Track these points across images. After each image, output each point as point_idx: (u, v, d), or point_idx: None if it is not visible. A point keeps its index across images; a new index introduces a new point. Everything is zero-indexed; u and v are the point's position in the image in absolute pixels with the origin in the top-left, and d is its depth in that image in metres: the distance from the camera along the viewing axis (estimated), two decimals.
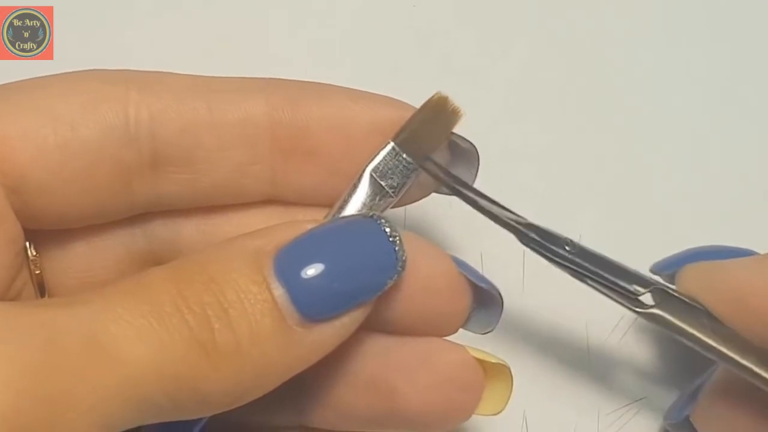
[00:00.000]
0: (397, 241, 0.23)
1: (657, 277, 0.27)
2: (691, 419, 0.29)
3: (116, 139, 0.24)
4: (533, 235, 0.26)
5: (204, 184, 0.25)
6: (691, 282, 0.27)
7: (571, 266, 0.26)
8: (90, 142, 0.24)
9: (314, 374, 0.24)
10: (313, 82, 0.26)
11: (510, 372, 0.26)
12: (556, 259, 0.26)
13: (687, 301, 0.26)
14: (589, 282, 0.26)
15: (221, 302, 0.21)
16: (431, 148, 0.26)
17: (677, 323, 0.26)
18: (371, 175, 0.25)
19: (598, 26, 0.37)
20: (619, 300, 0.26)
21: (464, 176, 0.26)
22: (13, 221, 0.24)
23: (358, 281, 0.23)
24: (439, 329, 0.25)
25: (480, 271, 0.26)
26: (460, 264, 0.25)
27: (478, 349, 0.26)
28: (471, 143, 0.26)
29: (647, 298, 0.26)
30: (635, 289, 0.26)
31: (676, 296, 0.26)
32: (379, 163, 0.25)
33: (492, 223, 0.26)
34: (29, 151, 0.23)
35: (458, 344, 0.25)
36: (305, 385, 0.25)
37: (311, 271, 0.22)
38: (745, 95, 0.36)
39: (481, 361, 0.25)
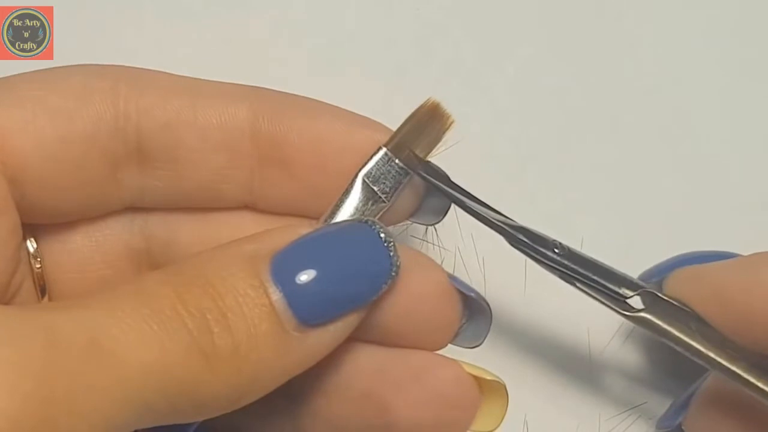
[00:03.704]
0: (392, 246, 0.23)
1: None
2: (683, 427, 0.29)
3: (106, 131, 0.24)
4: (522, 237, 0.26)
5: (186, 184, 0.25)
6: (678, 286, 0.27)
7: (560, 268, 0.26)
8: (83, 133, 0.24)
9: (309, 386, 0.25)
10: (300, 96, 0.26)
11: (506, 389, 0.25)
12: (545, 261, 0.26)
13: (675, 304, 0.26)
14: (578, 285, 0.26)
15: (220, 307, 0.21)
16: (423, 154, 0.26)
17: (665, 327, 0.26)
18: (363, 180, 0.25)
19: (600, 28, 0.36)
20: (608, 303, 0.26)
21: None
22: (15, 212, 0.24)
23: (353, 286, 0.23)
24: (431, 339, 0.25)
25: (482, 274, 0.26)
26: (449, 276, 0.25)
27: (473, 365, 0.25)
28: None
29: (636, 301, 0.26)
30: (624, 292, 0.26)
31: (664, 299, 0.26)
32: (371, 169, 0.25)
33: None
34: (29, 141, 0.23)
35: (452, 360, 0.25)
36: (300, 396, 0.25)
37: (307, 275, 0.22)
38: (749, 98, 0.36)
39: (476, 378, 0.25)
